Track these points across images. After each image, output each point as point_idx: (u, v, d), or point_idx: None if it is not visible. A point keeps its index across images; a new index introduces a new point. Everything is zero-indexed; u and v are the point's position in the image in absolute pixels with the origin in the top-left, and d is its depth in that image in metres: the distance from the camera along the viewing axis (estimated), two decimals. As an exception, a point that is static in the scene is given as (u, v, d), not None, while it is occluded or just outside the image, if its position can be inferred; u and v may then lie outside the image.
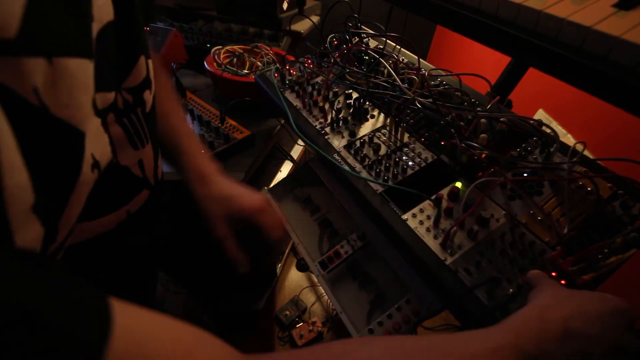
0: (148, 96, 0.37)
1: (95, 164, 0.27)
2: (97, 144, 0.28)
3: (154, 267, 0.54)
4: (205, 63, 0.96)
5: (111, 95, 0.31)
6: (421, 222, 0.47)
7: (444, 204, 0.49)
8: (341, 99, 0.69)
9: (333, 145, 0.60)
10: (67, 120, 0.23)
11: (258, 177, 0.97)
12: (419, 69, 0.69)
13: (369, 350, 0.27)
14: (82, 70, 0.24)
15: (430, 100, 0.58)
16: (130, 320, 0.19)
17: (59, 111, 0.23)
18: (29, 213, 0.20)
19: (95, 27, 0.26)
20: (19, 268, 0.17)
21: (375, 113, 0.65)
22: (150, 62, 0.37)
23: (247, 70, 1.01)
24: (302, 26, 1.30)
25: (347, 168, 0.56)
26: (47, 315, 0.16)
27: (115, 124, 0.32)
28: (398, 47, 0.79)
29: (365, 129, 0.62)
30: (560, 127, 1.15)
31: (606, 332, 0.29)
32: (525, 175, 0.49)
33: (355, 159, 0.57)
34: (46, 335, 0.15)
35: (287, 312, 1.21)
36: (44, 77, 0.21)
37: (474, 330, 0.30)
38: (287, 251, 1.34)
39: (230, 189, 0.51)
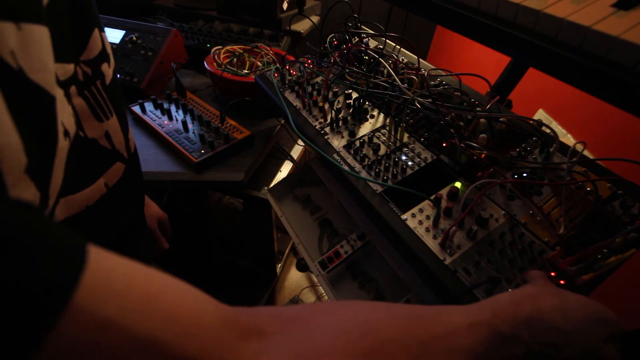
0: (107, 69, 0.39)
1: (66, 132, 0.28)
2: (64, 113, 0.29)
3: (147, 258, 0.56)
4: (205, 63, 0.96)
5: (71, 67, 0.32)
6: (420, 222, 0.47)
7: (444, 204, 0.49)
8: (341, 99, 0.69)
9: (333, 145, 0.60)
10: (41, 84, 0.24)
11: (258, 177, 0.97)
12: (418, 69, 0.69)
13: (352, 310, 0.28)
14: (45, 37, 0.25)
15: (430, 100, 0.58)
16: (104, 261, 0.19)
17: (34, 75, 0.23)
18: (23, 174, 0.21)
19: None
20: (7, 203, 0.18)
21: (375, 113, 0.65)
22: (104, 35, 0.39)
23: (247, 70, 1.01)
24: (302, 26, 1.30)
25: (346, 168, 0.56)
26: (23, 242, 0.16)
27: (77, 96, 0.33)
28: (398, 47, 0.79)
29: (365, 129, 0.62)
30: (560, 127, 1.15)
31: (584, 335, 0.29)
32: (524, 175, 0.49)
33: (355, 159, 0.57)
34: (20, 260, 0.16)
35: (287, 312, 1.21)
36: (17, 41, 0.22)
37: (453, 305, 0.31)
38: (287, 251, 1.34)
39: None
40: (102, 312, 0.17)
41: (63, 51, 0.29)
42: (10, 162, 0.20)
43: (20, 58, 0.22)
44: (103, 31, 0.39)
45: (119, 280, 0.19)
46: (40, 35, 0.25)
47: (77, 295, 0.17)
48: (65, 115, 0.29)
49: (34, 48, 0.24)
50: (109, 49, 0.40)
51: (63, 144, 0.28)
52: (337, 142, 0.61)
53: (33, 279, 0.16)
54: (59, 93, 0.28)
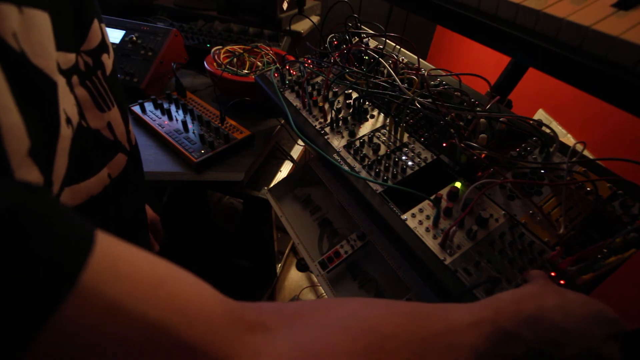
0: (107, 60, 0.39)
1: (69, 120, 0.29)
2: (66, 101, 0.29)
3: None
4: (205, 63, 0.96)
5: (72, 57, 0.32)
6: (420, 222, 0.47)
7: (444, 204, 0.49)
8: (341, 99, 0.69)
9: (333, 145, 0.60)
10: (42, 69, 0.24)
11: (258, 177, 0.97)
12: (418, 69, 0.69)
13: (354, 306, 0.28)
14: (46, 22, 0.25)
15: (430, 100, 0.58)
16: (111, 245, 0.19)
17: (35, 59, 0.23)
18: (26, 156, 0.21)
19: None
20: (16, 184, 0.18)
21: (375, 113, 0.65)
22: (103, 26, 0.39)
23: (247, 70, 1.01)
24: (302, 26, 1.30)
25: (346, 168, 0.56)
26: (31, 222, 0.16)
27: (79, 86, 0.33)
28: (398, 47, 0.79)
29: (365, 129, 0.62)
30: (560, 127, 1.15)
31: (584, 333, 0.29)
32: (524, 175, 0.49)
33: (355, 159, 0.57)
34: (28, 240, 0.16)
35: (287, 312, 1.21)
36: (19, 24, 0.22)
37: (454, 303, 0.31)
38: (287, 251, 1.34)
39: None
40: (107, 295, 0.17)
41: (64, 40, 0.29)
42: (13, 144, 0.20)
43: (23, 41, 0.22)
44: (102, 22, 0.39)
45: (125, 265, 0.19)
46: (41, 20, 0.25)
47: (84, 277, 0.17)
48: (67, 104, 0.29)
49: (36, 32, 0.24)
50: (108, 40, 0.40)
51: (66, 132, 0.28)
52: (337, 142, 0.61)
53: (40, 260, 0.16)
54: (60, 81, 0.28)
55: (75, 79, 0.32)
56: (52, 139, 0.26)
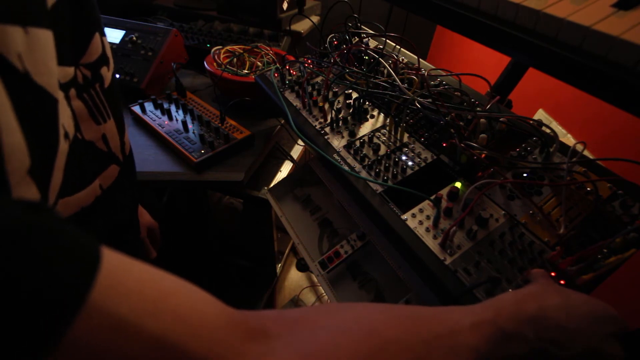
0: (106, 73, 0.39)
1: (66, 134, 0.29)
2: (65, 115, 0.29)
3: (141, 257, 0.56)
4: (205, 63, 0.96)
5: (71, 70, 0.32)
6: (421, 222, 0.47)
7: (444, 204, 0.49)
8: (341, 99, 0.69)
9: (333, 145, 0.60)
10: (45, 87, 0.25)
11: (258, 177, 0.97)
12: (418, 69, 0.69)
13: (356, 311, 0.28)
14: (49, 40, 0.26)
15: (430, 100, 0.58)
16: (116, 262, 0.19)
17: (39, 78, 0.24)
18: (25, 175, 0.22)
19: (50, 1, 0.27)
20: (17, 203, 0.18)
21: (375, 113, 0.65)
22: (105, 39, 0.39)
23: (247, 70, 1.01)
24: (302, 26, 1.30)
25: (346, 168, 0.56)
26: (38, 242, 0.16)
27: (76, 99, 0.33)
28: (398, 47, 0.79)
29: (365, 129, 0.62)
30: (560, 127, 1.15)
31: (587, 333, 0.30)
32: (524, 175, 0.49)
33: (355, 159, 0.57)
34: (35, 260, 0.16)
35: (287, 312, 1.21)
36: (24, 45, 0.22)
37: (456, 305, 0.31)
38: (287, 251, 1.34)
39: None
40: (115, 312, 0.18)
41: (64, 54, 0.30)
42: (14, 163, 0.21)
43: (27, 61, 0.23)
44: (104, 35, 0.39)
45: (131, 280, 0.19)
46: (45, 39, 0.25)
47: (93, 295, 0.17)
48: (65, 118, 0.29)
49: (40, 52, 0.24)
50: (109, 53, 0.40)
51: (64, 147, 0.28)
52: (337, 142, 0.61)
53: (49, 279, 0.16)
54: (60, 96, 0.28)
55: (72, 92, 0.32)
56: (51, 155, 0.26)
